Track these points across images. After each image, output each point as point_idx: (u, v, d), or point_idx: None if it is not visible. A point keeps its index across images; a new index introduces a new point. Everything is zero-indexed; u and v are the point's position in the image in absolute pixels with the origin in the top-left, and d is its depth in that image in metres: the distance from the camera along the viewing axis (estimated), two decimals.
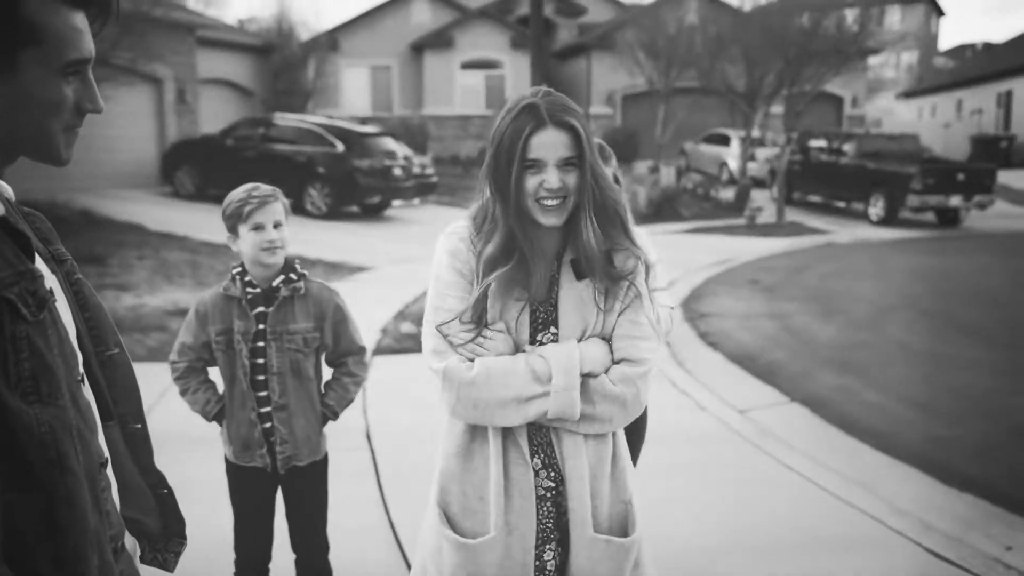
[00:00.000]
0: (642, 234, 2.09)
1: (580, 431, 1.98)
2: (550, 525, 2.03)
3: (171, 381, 2.96)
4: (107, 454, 1.36)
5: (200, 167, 17.39)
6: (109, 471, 1.36)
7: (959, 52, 55.30)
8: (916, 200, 17.98)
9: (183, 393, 2.93)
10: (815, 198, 21.51)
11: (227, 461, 2.96)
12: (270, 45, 26.21)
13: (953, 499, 4.56)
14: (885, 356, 7.77)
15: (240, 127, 17.87)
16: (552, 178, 1.88)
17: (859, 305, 10.09)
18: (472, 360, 1.95)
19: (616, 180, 2.74)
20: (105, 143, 17.62)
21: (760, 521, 4.28)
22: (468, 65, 30.46)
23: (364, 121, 23.84)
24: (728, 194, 21.98)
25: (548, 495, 2.02)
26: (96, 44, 1.30)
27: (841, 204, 20.98)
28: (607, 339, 2.01)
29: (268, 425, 2.84)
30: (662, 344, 2.13)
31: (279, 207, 2.79)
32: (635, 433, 2.92)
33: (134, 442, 1.49)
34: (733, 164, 24.32)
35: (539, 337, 2.00)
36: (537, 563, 2.02)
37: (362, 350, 3.00)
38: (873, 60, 36.23)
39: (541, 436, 2.02)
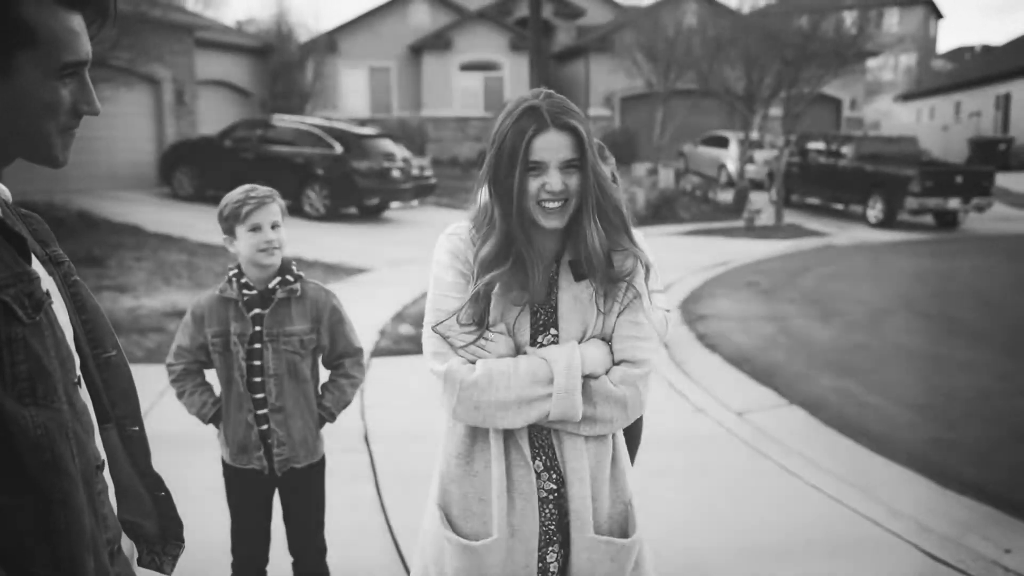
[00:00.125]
0: (639, 236, 2.08)
1: (581, 432, 1.98)
2: (552, 527, 2.03)
3: (169, 383, 2.96)
4: (104, 456, 1.35)
5: (198, 168, 17.40)
6: (106, 473, 1.36)
7: (957, 54, 55.43)
8: (914, 202, 17.99)
9: (180, 395, 2.93)
10: (813, 200, 21.52)
11: (224, 463, 2.95)
12: (269, 46, 26.22)
13: (952, 502, 4.56)
14: (883, 358, 7.77)
15: (238, 128, 17.87)
16: (554, 180, 1.87)
17: (857, 307, 10.09)
18: (473, 362, 1.94)
19: (613, 179, 2.73)
20: (103, 144, 17.61)
21: (758, 523, 4.27)
22: (467, 67, 30.47)
23: (363, 123, 23.82)
24: (727, 196, 22.00)
25: (550, 497, 2.02)
26: (94, 45, 1.30)
27: (839, 206, 20.99)
28: (607, 340, 2.01)
29: (265, 427, 2.84)
30: (660, 346, 2.13)
31: (276, 208, 2.79)
32: (631, 434, 2.91)
33: (132, 444, 1.49)
34: (732, 166, 24.33)
35: (539, 339, 2.00)
36: (540, 565, 2.02)
37: (359, 352, 3.00)
38: (871, 62, 36.27)
39: (542, 438, 2.01)
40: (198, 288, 9.35)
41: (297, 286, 2.84)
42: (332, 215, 16.33)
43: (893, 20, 47.72)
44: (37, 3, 1.19)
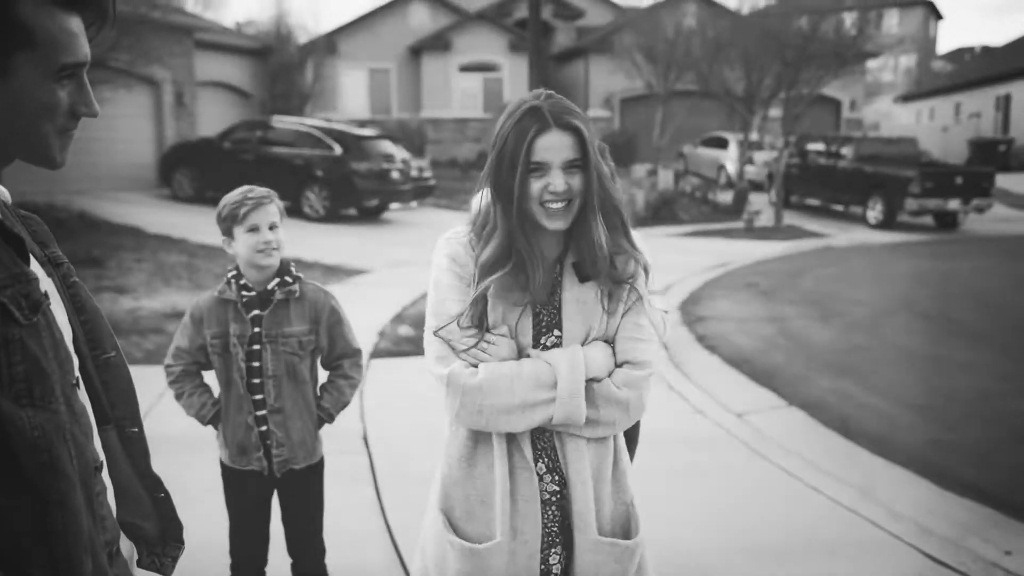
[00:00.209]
0: (637, 237, 2.08)
1: (583, 435, 1.97)
2: (555, 529, 2.02)
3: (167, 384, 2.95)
4: (103, 458, 1.35)
5: (198, 170, 17.39)
6: (105, 475, 1.35)
7: (957, 55, 55.43)
8: (914, 204, 17.99)
9: (178, 397, 2.92)
10: (813, 201, 21.52)
11: (223, 465, 2.95)
12: (268, 48, 26.22)
13: (952, 503, 4.56)
14: (883, 360, 7.77)
15: (238, 130, 17.87)
16: (557, 181, 1.87)
17: (857, 308, 10.09)
18: (476, 365, 1.93)
19: (611, 176, 2.73)
20: (103, 146, 17.61)
21: (757, 525, 4.27)
22: (466, 68, 30.48)
23: (362, 124, 23.81)
24: (726, 197, 22.00)
25: (553, 499, 2.01)
26: (94, 47, 1.29)
27: (839, 207, 20.99)
28: (609, 342, 2.01)
29: (264, 428, 2.83)
30: (660, 347, 2.13)
31: (274, 209, 2.79)
32: (629, 435, 2.90)
33: (131, 446, 1.48)
34: (731, 167, 24.33)
35: (543, 340, 1.99)
36: (542, 567, 2.02)
37: (357, 352, 3.00)
38: (871, 63, 36.30)
39: (544, 440, 2.01)
40: (198, 289, 9.35)
41: (296, 287, 2.83)
42: (331, 216, 16.33)
43: (893, 21, 47.76)
44: (35, 4, 1.19)
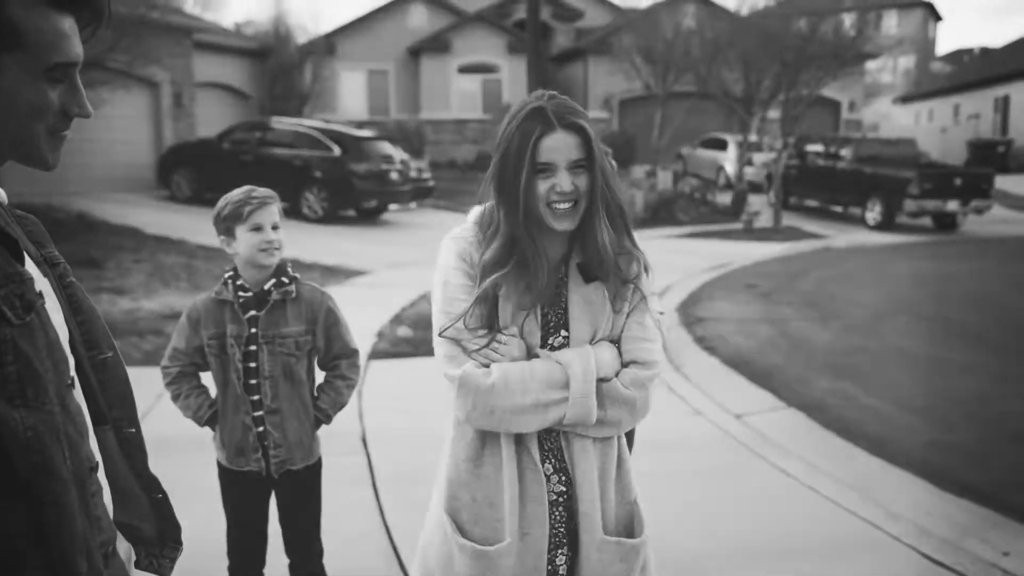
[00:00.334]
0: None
1: (590, 435, 1.97)
2: (562, 530, 2.02)
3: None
4: (98, 458, 1.35)
5: (197, 171, 17.39)
6: (101, 475, 1.35)
7: (956, 57, 55.46)
8: (913, 205, 18.00)
9: (175, 398, 2.91)
10: (812, 203, 21.52)
11: (220, 466, 2.94)
12: (267, 49, 26.22)
13: (950, 504, 4.55)
14: (882, 361, 7.77)
15: (237, 131, 17.87)
16: (564, 181, 1.87)
17: (856, 310, 10.09)
18: (487, 366, 1.93)
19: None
20: (102, 147, 17.61)
21: (756, 526, 4.27)
22: (465, 69, 30.49)
23: (361, 125, 23.82)
24: (725, 198, 22.01)
25: (559, 500, 2.01)
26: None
27: (838, 209, 20.99)
28: (614, 342, 2.01)
29: (261, 429, 2.83)
30: (662, 347, 2.13)
31: (276, 209, 2.79)
32: (626, 435, 2.91)
33: (128, 447, 1.48)
34: (730, 168, 24.34)
35: (550, 340, 1.99)
36: (549, 568, 2.01)
37: (355, 353, 2.99)
38: (870, 65, 36.28)
39: (551, 441, 2.00)
40: (196, 291, 9.34)
41: (292, 287, 2.83)
42: (330, 217, 16.33)
43: (892, 22, 47.79)
44: (24, 4, 1.18)
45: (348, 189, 16.17)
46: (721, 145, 25.67)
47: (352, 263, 12.26)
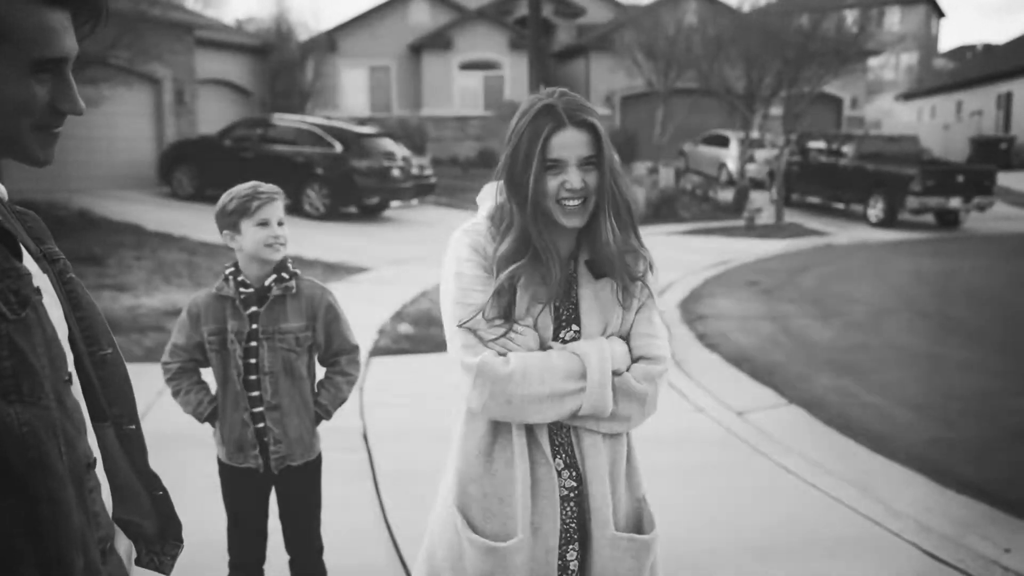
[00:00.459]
0: None
1: (601, 430, 1.97)
2: (573, 525, 2.02)
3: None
4: (96, 455, 1.34)
5: (198, 168, 17.38)
6: (100, 472, 1.35)
7: (959, 53, 55.37)
8: (915, 202, 17.99)
9: (175, 394, 2.92)
10: (814, 199, 21.50)
11: (220, 462, 2.94)
12: (268, 45, 26.19)
13: (951, 501, 4.56)
14: (883, 358, 7.77)
15: (238, 127, 17.87)
16: (574, 178, 1.87)
17: (858, 307, 10.09)
18: (504, 355, 1.92)
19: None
20: (103, 144, 17.62)
21: (757, 523, 4.27)
22: (467, 66, 30.46)
23: (362, 122, 23.82)
24: (727, 195, 22.00)
25: (570, 495, 2.01)
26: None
27: (840, 206, 20.97)
28: (623, 338, 2.02)
29: (261, 425, 2.83)
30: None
31: (281, 205, 2.81)
32: None
33: (129, 443, 1.48)
34: (732, 165, 24.32)
35: (562, 334, 1.99)
36: (560, 563, 2.01)
37: (355, 349, 2.99)
38: (872, 61, 36.24)
39: (561, 436, 2.00)
40: (197, 287, 9.34)
41: (292, 283, 2.83)
42: (332, 214, 16.33)
43: (894, 19, 47.68)
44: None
45: (350, 186, 16.17)
46: (723, 142, 25.65)
47: (353, 260, 12.26)
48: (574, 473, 2.00)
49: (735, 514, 4.37)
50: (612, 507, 2.00)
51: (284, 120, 17.69)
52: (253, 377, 2.80)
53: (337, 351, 2.94)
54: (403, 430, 5.37)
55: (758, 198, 21.33)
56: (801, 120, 21.48)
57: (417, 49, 30.48)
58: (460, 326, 1.93)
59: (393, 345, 7.55)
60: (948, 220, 18.91)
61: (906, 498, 4.55)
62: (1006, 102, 32.35)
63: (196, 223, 13.80)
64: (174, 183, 17.77)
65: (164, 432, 4.28)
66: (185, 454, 4.28)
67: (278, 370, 2.80)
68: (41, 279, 1.29)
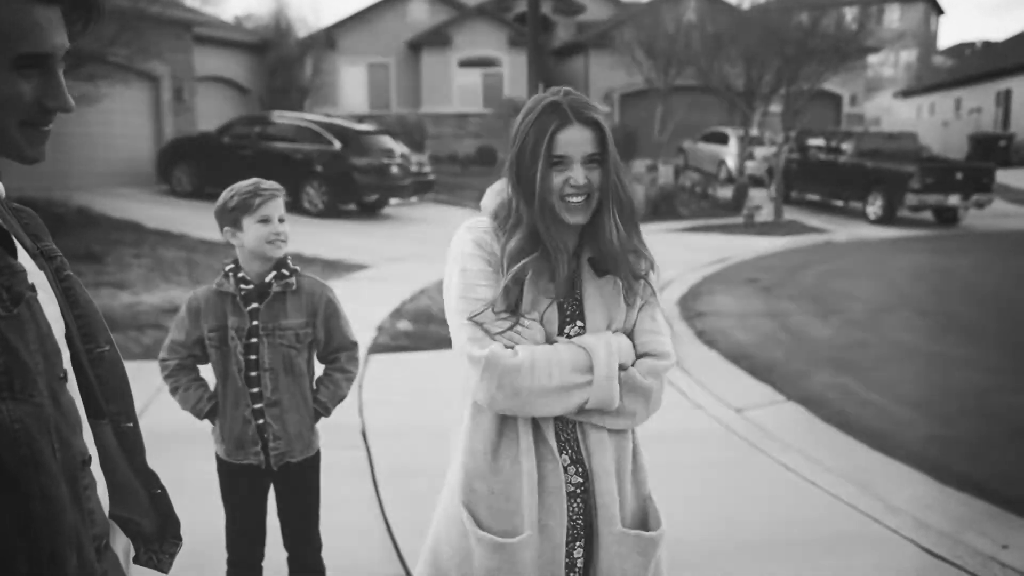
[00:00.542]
0: None
1: (606, 425, 1.98)
2: (579, 522, 2.02)
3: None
4: (91, 452, 1.33)
5: (197, 165, 17.36)
6: (95, 469, 1.34)
7: (958, 51, 55.29)
8: (914, 199, 17.99)
9: (173, 391, 2.91)
10: (813, 197, 21.50)
11: (219, 459, 2.94)
12: (267, 43, 26.16)
13: (949, 498, 4.56)
14: (882, 355, 7.77)
15: (237, 125, 17.85)
16: (578, 175, 1.89)
17: (857, 304, 10.09)
18: (511, 348, 1.93)
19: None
20: (102, 141, 17.60)
21: (756, 519, 4.27)
22: (466, 63, 30.43)
23: (361, 119, 23.80)
24: (726, 193, 21.99)
25: (577, 492, 2.01)
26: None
27: (839, 203, 20.97)
28: (627, 334, 2.03)
29: (261, 421, 2.83)
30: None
31: (282, 202, 2.82)
32: None
33: (126, 441, 1.47)
34: (731, 163, 24.33)
35: (567, 330, 2.00)
36: (567, 560, 2.01)
37: (354, 346, 2.99)
38: (872, 59, 36.27)
39: (567, 432, 2.01)
40: (197, 285, 9.32)
41: (292, 280, 2.83)
42: (331, 211, 16.32)
43: (894, 16, 47.65)
44: None
45: (349, 183, 16.16)
46: (722, 139, 25.65)
47: (352, 257, 12.26)
48: (580, 469, 2.00)
49: (733, 511, 4.38)
50: (619, 503, 2.00)
51: (283, 117, 17.68)
52: (253, 373, 2.80)
53: (337, 348, 2.94)
54: (402, 427, 5.37)
55: (757, 195, 21.32)
56: (800, 117, 21.50)
57: (416, 46, 30.46)
58: (469, 319, 1.94)
59: (392, 342, 7.55)
60: (947, 217, 18.91)
61: (904, 495, 4.56)
62: (1005, 99, 32.33)
63: (195, 220, 13.80)
64: (173, 180, 17.76)
65: (162, 430, 4.27)
66: (183, 452, 4.28)
67: (278, 366, 2.80)
68: (37, 276, 1.29)
